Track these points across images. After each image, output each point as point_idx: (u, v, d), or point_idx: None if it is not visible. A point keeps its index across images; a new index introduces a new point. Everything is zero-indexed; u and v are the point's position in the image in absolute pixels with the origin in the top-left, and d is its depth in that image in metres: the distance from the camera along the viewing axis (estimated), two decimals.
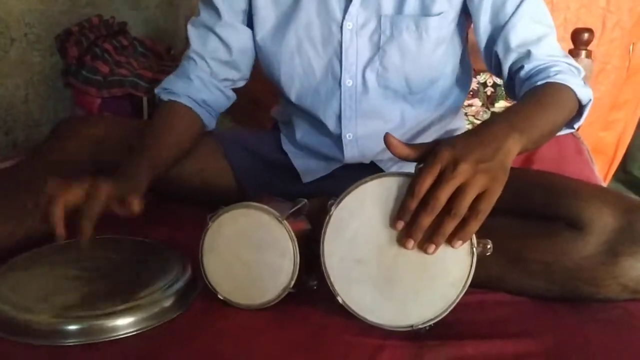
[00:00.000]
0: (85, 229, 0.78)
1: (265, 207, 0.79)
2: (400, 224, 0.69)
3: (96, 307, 0.75)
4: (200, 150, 1.10)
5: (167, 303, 0.79)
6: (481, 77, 1.80)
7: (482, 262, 0.72)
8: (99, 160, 1.01)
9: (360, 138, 1.06)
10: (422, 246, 0.69)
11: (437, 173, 0.67)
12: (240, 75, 1.12)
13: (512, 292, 0.84)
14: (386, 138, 0.71)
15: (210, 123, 1.11)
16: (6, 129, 1.73)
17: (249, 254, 0.79)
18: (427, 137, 1.09)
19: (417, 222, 0.67)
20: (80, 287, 0.80)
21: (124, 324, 0.74)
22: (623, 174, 2.63)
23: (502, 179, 0.68)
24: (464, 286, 0.72)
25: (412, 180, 0.68)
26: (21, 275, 0.82)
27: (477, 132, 0.72)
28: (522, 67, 0.93)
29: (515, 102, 0.93)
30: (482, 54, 1.01)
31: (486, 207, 0.67)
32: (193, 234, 0.83)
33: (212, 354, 0.71)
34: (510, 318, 0.79)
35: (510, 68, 0.96)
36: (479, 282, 0.78)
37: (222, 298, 0.81)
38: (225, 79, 1.10)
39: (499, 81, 1.80)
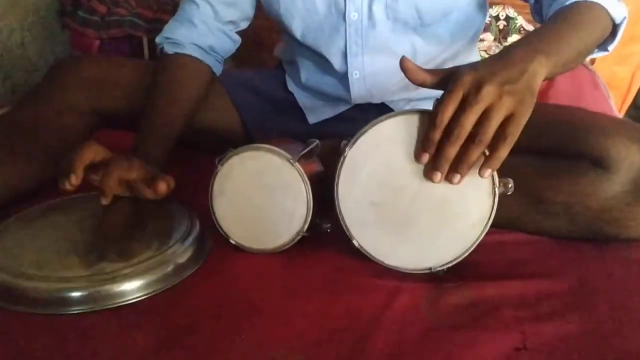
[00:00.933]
0: (108, 190, 0.81)
1: (276, 149, 0.75)
2: (425, 157, 0.66)
3: (101, 270, 0.70)
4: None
5: (179, 261, 0.74)
6: (493, 10, 1.73)
7: (501, 203, 0.69)
8: (98, 103, 0.98)
9: (367, 76, 1.01)
10: (448, 177, 0.66)
11: (459, 99, 0.62)
12: (243, 16, 1.07)
13: (532, 233, 0.82)
14: (402, 62, 0.67)
15: (218, 69, 1.07)
16: (3, 74, 1.68)
17: (260, 197, 0.77)
18: None
19: (442, 153, 0.64)
20: (82, 249, 0.74)
21: (132, 288, 0.69)
22: (634, 110, 2.58)
23: (530, 101, 0.64)
24: (484, 227, 0.70)
25: (434, 110, 0.64)
26: (17, 238, 0.77)
27: (500, 56, 0.67)
28: None
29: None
30: None
31: (515, 130, 0.63)
32: (200, 179, 0.80)
33: (228, 298, 0.70)
34: (531, 258, 0.77)
35: None
36: (498, 224, 0.76)
37: (234, 243, 0.79)
38: (230, 22, 1.05)
39: (512, 14, 1.74)
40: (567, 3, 0.82)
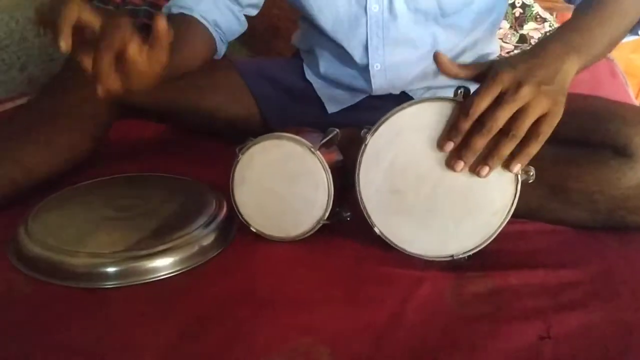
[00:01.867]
0: (105, 59, 0.65)
1: (297, 137, 0.76)
2: (449, 146, 0.67)
3: (135, 248, 0.73)
4: (223, 82, 1.06)
5: (207, 241, 0.77)
6: None
7: (522, 193, 0.69)
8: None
9: (389, 67, 1.00)
10: (474, 169, 0.67)
11: (496, 95, 0.63)
12: (252, 1, 1.06)
13: (554, 223, 0.82)
14: (436, 56, 0.67)
15: (221, 49, 1.05)
16: (20, 64, 1.69)
17: (281, 186, 0.77)
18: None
19: (470, 144, 0.65)
20: (116, 227, 0.78)
21: (164, 264, 0.73)
22: None
23: (562, 101, 0.65)
24: (507, 215, 0.69)
25: (466, 101, 0.65)
26: (55, 217, 0.81)
27: (535, 53, 0.67)
28: None
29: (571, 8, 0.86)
30: None
31: (548, 129, 0.64)
32: (221, 168, 0.80)
33: (251, 287, 0.71)
34: (552, 247, 0.77)
35: None
36: (519, 214, 0.76)
37: (255, 231, 0.79)
38: (237, 2, 1.04)
39: (528, 2, 1.72)
40: None
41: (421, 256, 0.73)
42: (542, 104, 0.63)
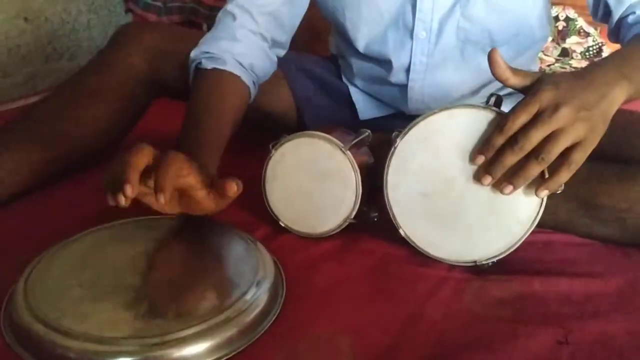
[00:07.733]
0: (166, 186, 0.64)
1: (329, 136, 0.77)
2: (480, 159, 0.67)
3: (155, 330, 0.56)
4: None
5: (250, 316, 0.60)
6: (553, 11, 1.70)
7: (550, 207, 0.69)
8: (159, 71, 0.99)
9: (427, 90, 0.98)
10: (498, 185, 0.67)
11: (533, 113, 0.62)
12: (283, 38, 0.99)
13: (581, 236, 0.82)
14: (491, 54, 0.65)
15: (253, 94, 0.94)
16: (69, 54, 1.76)
17: (311, 183, 0.79)
18: (495, 87, 1.02)
19: (500, 159, 0.64)
20: (132, 298, 0.60)
21: (195, 352, 0.55)
22: None
23: (601, 130, 0.64)
24: (531, 224, 0.70)
25: (503, 116, 0.64)
26: (61, 275, 0.64)
27: (582, 75, 0.66)
28: (633, 12, 0.86)
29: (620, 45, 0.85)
30: (588, 3, 0.93)
31: (580, 158, 0.63)
32: (254, 164, 0.83)
33: None
34: (579, 258, 0.77)
35: (620, 16, 0.88)
36: (547, 226, 0.76)
37: (283, 226, 0.81)
38: (272, 39, 0.96)
39: (571, 15, 1.71)
40: None
41: (444, 260, 0.74)
42: (577, 130, 0.61)
